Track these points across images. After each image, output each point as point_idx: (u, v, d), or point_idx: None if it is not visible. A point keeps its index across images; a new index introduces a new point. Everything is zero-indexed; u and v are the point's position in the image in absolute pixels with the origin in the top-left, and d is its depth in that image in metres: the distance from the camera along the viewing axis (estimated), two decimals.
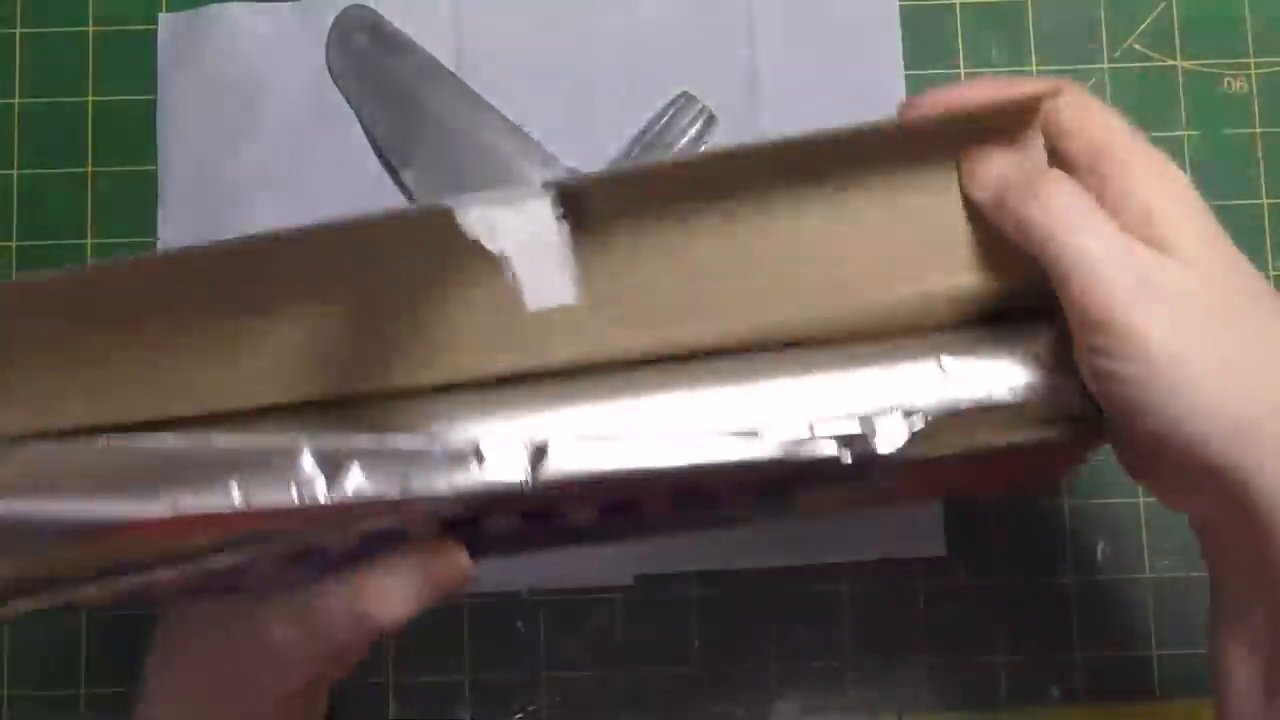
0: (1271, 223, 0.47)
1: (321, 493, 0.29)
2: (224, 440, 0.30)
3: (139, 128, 0.47)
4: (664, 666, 0.45)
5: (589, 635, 0.45)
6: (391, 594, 0.32)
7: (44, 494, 0.29)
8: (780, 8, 0.47)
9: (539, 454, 0.30)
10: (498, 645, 0.45)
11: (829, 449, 0.30)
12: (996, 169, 0.32)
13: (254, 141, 0.46)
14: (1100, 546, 0.45)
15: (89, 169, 0.47)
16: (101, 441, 0.30)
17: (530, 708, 0.45)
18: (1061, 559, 0.45)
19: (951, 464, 0.32)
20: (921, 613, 0.45)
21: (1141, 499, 0.46)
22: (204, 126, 0.47)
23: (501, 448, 0.30)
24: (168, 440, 0.30)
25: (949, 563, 0.45)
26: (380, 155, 0.46)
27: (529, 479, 0.30)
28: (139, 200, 0.47)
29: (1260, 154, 0.47)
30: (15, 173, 0.47)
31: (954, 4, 0.48)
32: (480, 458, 0.30)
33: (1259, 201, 0.47)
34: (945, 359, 0.32)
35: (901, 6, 0.48)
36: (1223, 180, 0.47)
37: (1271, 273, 0.47)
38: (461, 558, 0.33)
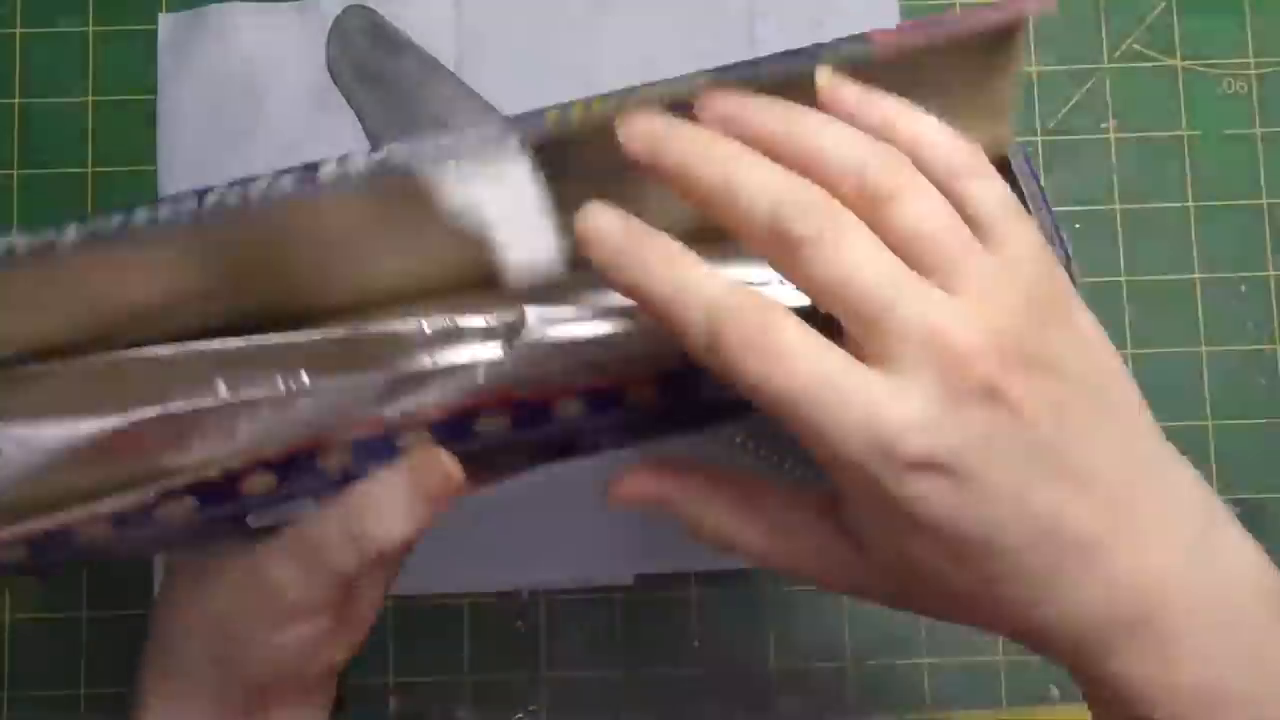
0: (1271, 223, 0.47)
1: (306, 381, 0.29)
2: (207, 345, 0.30)
3: (139, 128, 0.47)
4: (664, 666, 0.45)
5: (589, 635, 0.45)
6: (384, 508, 0.31)
7: (23, 417, 0.29)
8: (780, 8, 0.47)
9: (513, 330, 0.30)
10: (498, 645, 0.45)
11: None
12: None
13: (254, 141, 0.46)
14: None
15: (89, 169, 0.47)
16: (81, 359, 0.30)
17: (530, 708, 0.45)
18: None
19: None
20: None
21: None
22: (204, 126, 0.47)
23: (479, 323, 0.30)
24: (149, 350, 0.30)
25: None
26: None
27: (506, 351, 0.30)
28: (139, 200, 0.46)
29: (1260, 154, 0.47)
30: (15, 173, 0.47)
31: (954, 4, 0.48)
32: (460, 332, 0.30)
33: (1259, 201, 0.47)
34: None
35: (901, 7, 0.48)
36: (1223, 180, 0.47)
37: (1272, 272, 0.47)
38: (449, 463, 0.32)
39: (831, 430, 0.26)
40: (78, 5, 0.48)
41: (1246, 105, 0.48)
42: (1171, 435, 0.47)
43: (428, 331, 0.30)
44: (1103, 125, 0.48)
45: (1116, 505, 0.27)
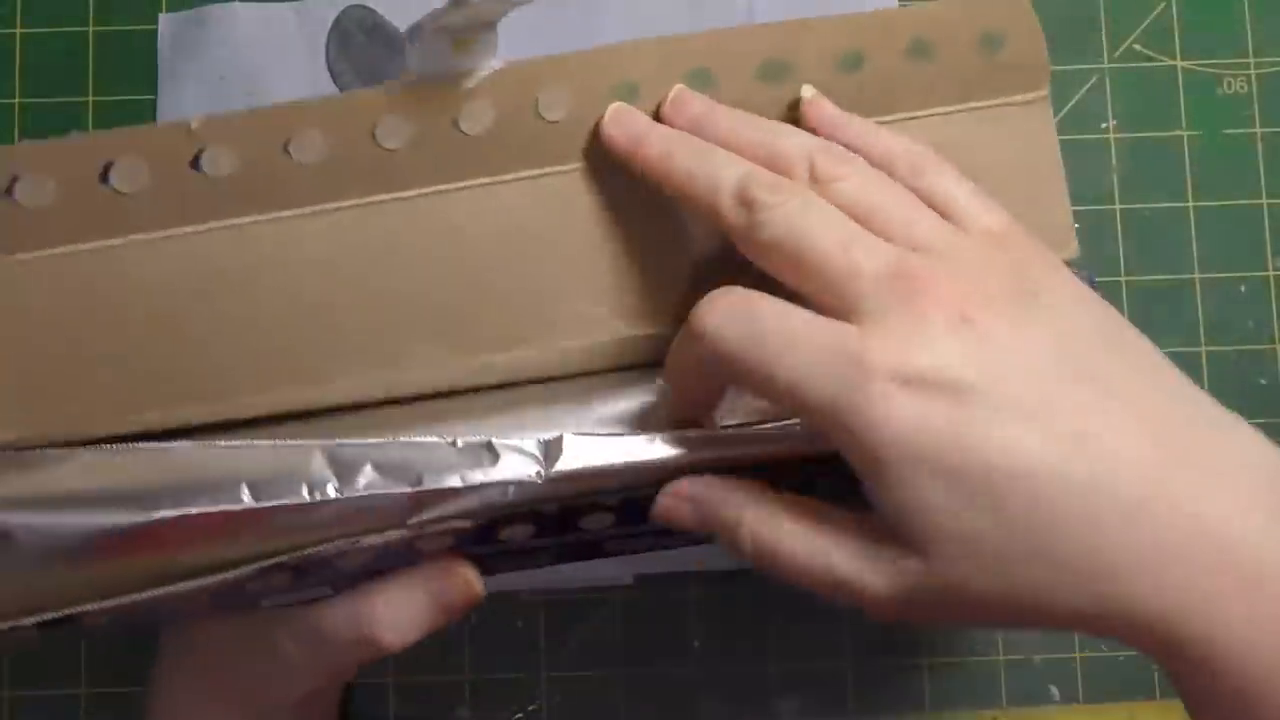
0: (1271, 223, 0.47)
1: (333, 489, 0.29)
2: (230, 444, 0.30)
3: None
4: (664, 666, 0.45)
5: (589, 635, 0.45)
6: (399, 615, 0.32)
7: (45, 507, 0.29)
8: (780, 8, 0.47)
9: (552, 448, 0.30)
10: (498, 645, 0.45)
11: None
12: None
13: None
14: None
15: None
16: (104, 449, 0.30)
17: (530, 708, 0.45)
18: None
19: None
20: None
21: None
22: None
23: (514, 442, 0.30)
24: (172, 446, 0.30)
25: None
26: None
27: (542, 470, 0.29)
28: None
29: (1260, 154, 0.47)
30: None
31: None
32: (494, 453, 0.29)
33: (1259, 201, 0.47)
34: None
35: (901, 4, 0.48)
36: (1223, 180, 0.47)
37: (1271, 272, 0.47)
38: (471, 575, 0.32)
39: (807, 386, 0.26)
40: (78, 5, 0.48)
41: (1246, 105, 0.48)
42: None
43: (459, 446, 0.29)
44: (1103, 125, 0.48)
45: (1170, 439, 0.25)
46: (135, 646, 0.45)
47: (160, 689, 0.35)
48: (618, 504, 0.31)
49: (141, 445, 0.29)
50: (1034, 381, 0.25)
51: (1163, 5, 0.48)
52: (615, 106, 0.31)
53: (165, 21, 0.48)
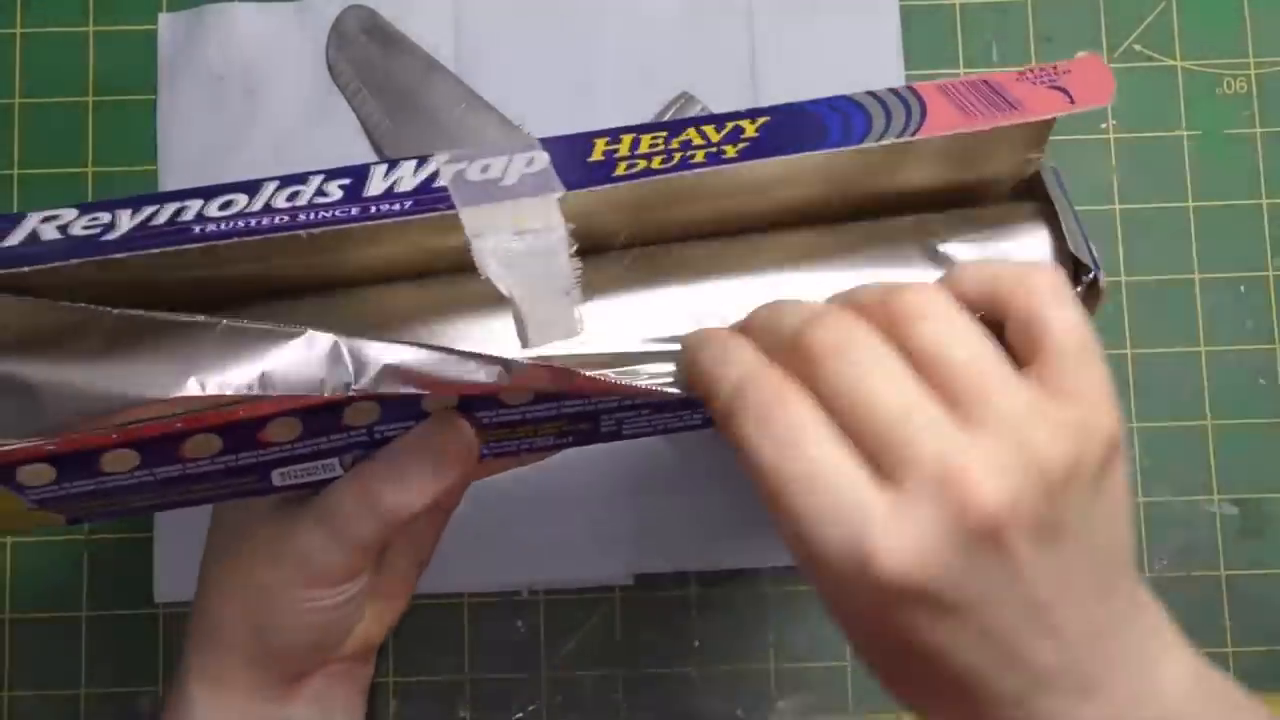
0: (1271, 223, 0.47)
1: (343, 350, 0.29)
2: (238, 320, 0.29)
3: (139, 128, 0.47)
4: (664, 666, 0.45)
5: (589, 635, 0.45)
6: (401, 477, 0.32)
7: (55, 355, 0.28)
8: (780, 7, 0.47)
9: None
10: (498, 645, 0.45)
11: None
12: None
13: (254, 141, 0.46)
14: None
15: (89, 168, 0.47)
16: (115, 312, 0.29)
17: (530, 708, 0.45)
18: None
19: None
20: None
21: (1141, 498, 0.46)
22: (204, 126, 0.47)
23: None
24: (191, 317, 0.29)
25: None
26: (380, 154, 0.46)
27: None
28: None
29: (1260, 154, 0.47)
30: (15, 173, 0.47)
31: (954, 4, 0.48)
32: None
33: (1259, 201, 0.47)
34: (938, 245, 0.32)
35: (901, 6, 0.48)
36: (1223, 180, 0.47)
37: (1271, 272, 0.47)
38: (469, 432, 0.32)
39: (812, 526, 0.25)
40: (78, 5, 0.48)
41: (1246, 105, 0.48)
42: (1171, 435, 0.47)
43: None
44: (1102, 125, 0.48)
45: (1079, 670, 0.26)
46: (135, 647, 0.45)
47: (195, 630, 0.36)
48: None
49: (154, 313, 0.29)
50: (1014, 626, 0.25)
51: (1163, 5, 0.48)
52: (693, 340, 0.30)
53: (165, 21, 0.48)
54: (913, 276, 0.32)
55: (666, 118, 0.45)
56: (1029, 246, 0.33)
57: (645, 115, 0.46)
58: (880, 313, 0.27)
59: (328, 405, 0.30)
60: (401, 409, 0.31)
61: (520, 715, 0.45)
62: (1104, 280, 0.32)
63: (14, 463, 0.29)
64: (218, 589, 0.35)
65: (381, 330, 0.30)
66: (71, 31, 0.48)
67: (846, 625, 0.27)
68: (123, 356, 0.28)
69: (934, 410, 0.25)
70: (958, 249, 0.32)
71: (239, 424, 0.30)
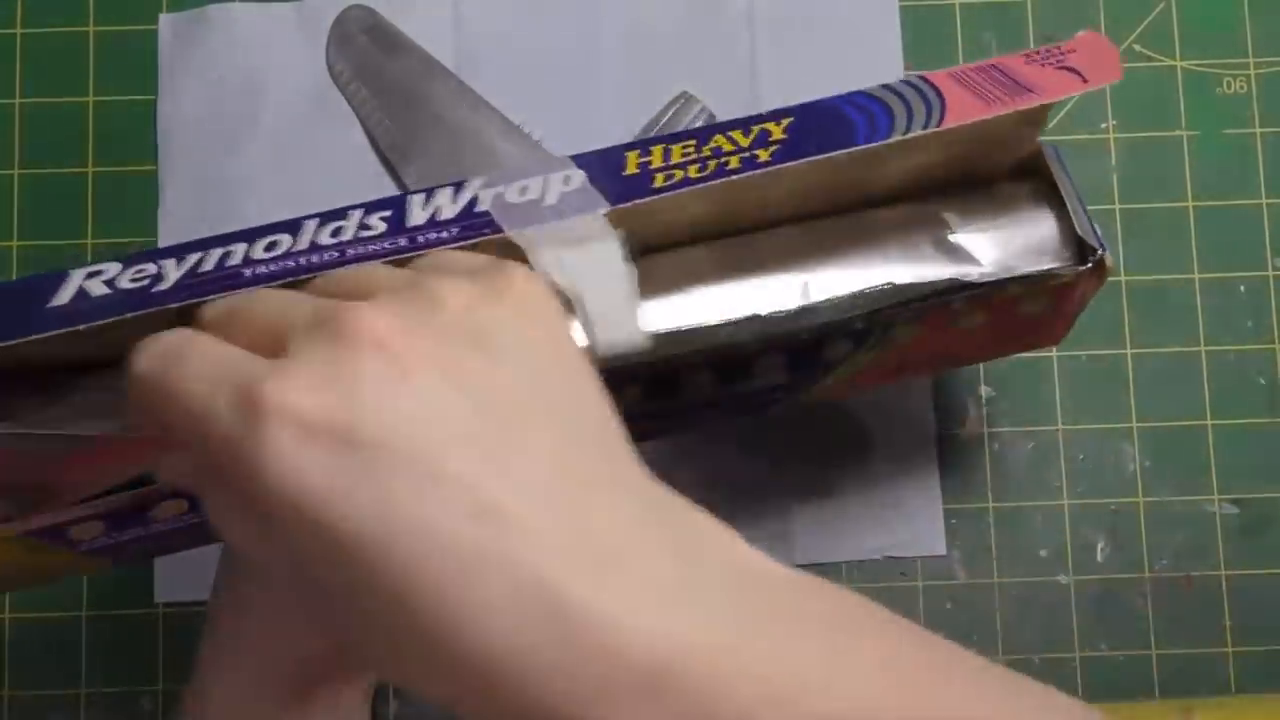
0: (1271, 223, 0.47)
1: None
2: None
3: (139, 128, 0.47)
4: None
5: None
6: None
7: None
8: (780, 7, 0.47)
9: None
10: None
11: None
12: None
13: (254, 141, 0.46)
14: (1100, 546, 0.45)
15: (89, 169, 0.47)
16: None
17: None
18: (1061, 559, 0.45)
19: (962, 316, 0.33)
20: (921, 612, 0.45)
21: (1141, 498, 0.46)
22: (204, 126, 0.47)
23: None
24: None
25: (949, 562, 0.45)
26: (380, 154, 0.46)
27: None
28: (139, 200, 0.47)
29: (1260, 154, 0.47)
30: (15, 173, 0.47)
31: (954, 4, 0.48)
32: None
33: (1259, 201, 0.47)
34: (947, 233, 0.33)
35: (901, 6, 0.48)
36: (1223, 180, 0.47)
37: (1270, 272, 0.47)
38: None
39: (202, 399, 0.23)
40: (78, 5, 0.48)
41: (1246, 105, 0.48)
42: (1171, 435, 0.47)
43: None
44: (1103, 125, 0.48)
45: (578, 529, 0.22)
46: (135, 647, 0.45)
47: (210, 634, 0.36)
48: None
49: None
50: (443, 440, 0.22)
51: (1163, 5, 0.48)
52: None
53: (165, 21, 0.48)
54: (927, 270, 0.32)
55: (666, 118, 0.45)
56: (1036, 229, 0.33)
57: (645, 116, 0.46)
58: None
59: None
60: None
61: None
62: (1109, 259, 0.33)
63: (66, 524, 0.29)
64: (232, 597, 0.35)
65: None
66: (71, 31, 0.48)
67: (232, 506, 0.24)
68: None
69: (309, 308, 0.25)
70: (969, 240, 0.33)
71: None
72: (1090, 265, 0.33)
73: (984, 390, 0.46)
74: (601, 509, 0.23)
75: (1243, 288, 0.47)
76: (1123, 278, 0.47)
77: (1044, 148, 0.34)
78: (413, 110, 0.46)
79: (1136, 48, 0.48)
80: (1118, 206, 0.47)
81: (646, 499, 0.24)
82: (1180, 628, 0.45)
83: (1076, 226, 0.33)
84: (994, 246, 0.33)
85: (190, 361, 0.24)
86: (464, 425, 0.22)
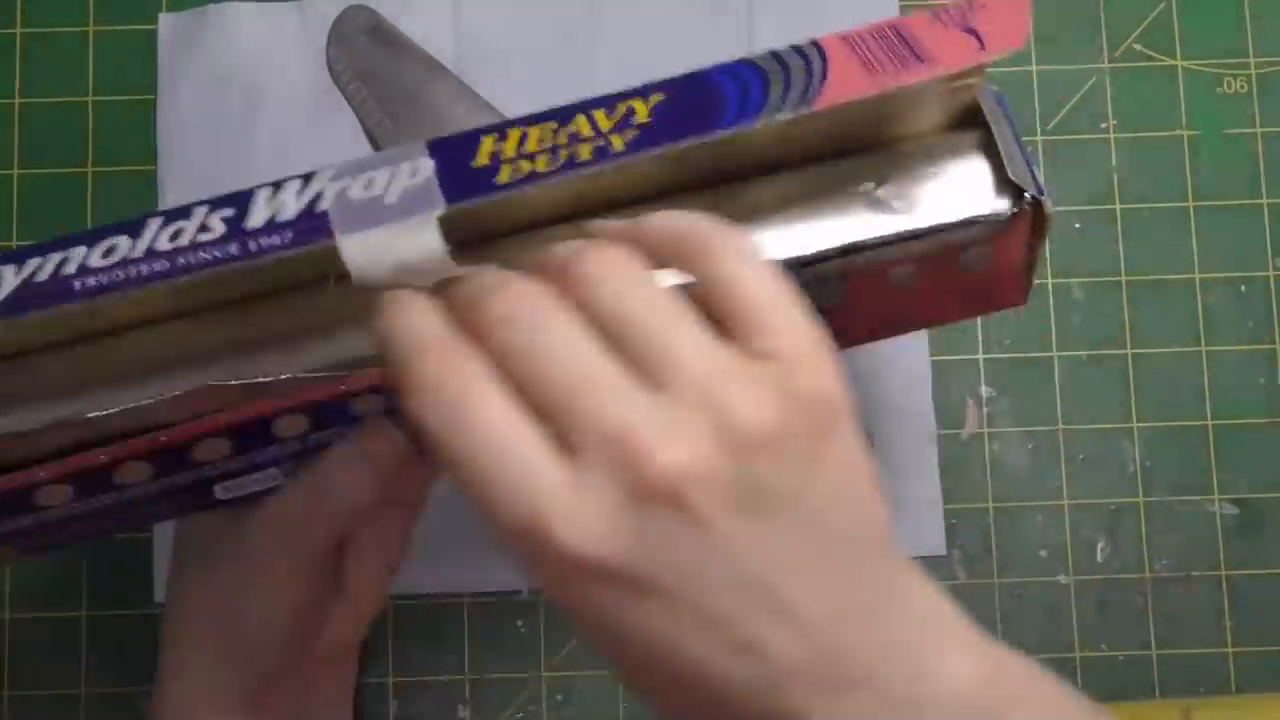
0: (1271, 223, 0.47)
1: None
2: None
3: (139, 128, 0.47)
4: None
5: None
6: (342, 476, 0.33)
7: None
8: (780, 6, 0.47)
9: None
10: (498, 645, 0.45)
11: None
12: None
13: (254, 141, 0.46)
14: (1100, 546, 0.45)
15: (89, 169, 0.47)
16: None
17: (530, 707, 0.45)
18: (1061, 559, 0.45)
19: (903, 273, 0.31)
20: None
21: (1141, 498, 0.46)
22: (204, 126, 0.47)
23: None
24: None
25: (949, 562, 0.45)
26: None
27: None
28: (139, 200, 0.47)
29: (1260, 154, 0.47)
30: (15, 173, 0.47)
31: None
32: None
33: (1259, 201, 0.47)
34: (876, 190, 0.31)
35: (901, 7, 0.48)
36: (1223, 180, 0.47)
37: (1271, 272, 0.47)
38: (395, 433, 0.32)
39: (492, 502, 0.23)
40: (78, 5, 0.48)
41: (1246, 105, 0.48)
42: (1172, 435, 0.47)
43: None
44: (1103, 125, 0.48)
45: (829, 659, 0.24)
46: (135, 647, 0.45)
47: (167, 638, 0.36)
48: None
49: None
50: (721, 601, 0.23)
51: (1163, 5, 0.48)
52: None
53: (165, 21, 0.48)
54: (860, 227, 0.31)
55: None
56: (967, 177, 0.32)
57: None
58: (563, 276, 0.25)
59: (258, 420, 0.30)
60: (334, 417, 0.31)
61: (520, 715, 0.45)
62: (1049, 206, 0.31)
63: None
64: (184, 590, 0.36)
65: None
66: (71, 31, 0.48)
67: (558, 607, 0.26)
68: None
69: (613, 375, 0.24)
70: (894, 192, 0.31)
71: (166, 449, 0.30)
72: (1019, 210, 0.31)
73: (984, 390, 0.46)
74: (852, 634, 0.24)
75: (1243, 288, 0.47)
76: (1123, 278, 0.47)
77: (984, 94, 0.32)
78: (413, 110, 0.46)
79: (1137, 48, 0.48)
80: (1118, 206, 0.47)
81: (903, 619, 0.25)
82: (1180, 628, 0.45)
83: (1010, 173, 0.31)
84: (914, 200, 0.31)
85: (476, 431, 0.24)
86: (740, 574, 0.23)
